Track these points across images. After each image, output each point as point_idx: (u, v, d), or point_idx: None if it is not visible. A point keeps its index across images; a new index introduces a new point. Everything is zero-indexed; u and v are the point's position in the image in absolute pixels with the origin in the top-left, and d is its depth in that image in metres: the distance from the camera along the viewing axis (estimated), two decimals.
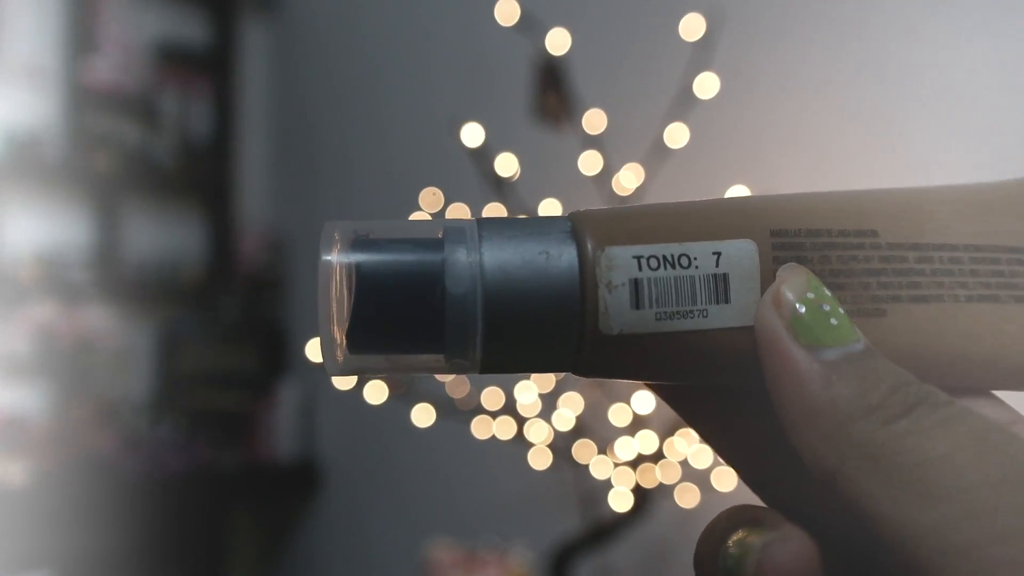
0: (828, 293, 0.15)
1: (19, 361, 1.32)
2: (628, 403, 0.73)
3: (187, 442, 1.38)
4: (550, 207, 0.74)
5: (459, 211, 0.73)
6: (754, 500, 0.19)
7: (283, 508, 1.51)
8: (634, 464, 0.74)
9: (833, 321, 0.15)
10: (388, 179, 1.34)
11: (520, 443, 0.75)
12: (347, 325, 0.16)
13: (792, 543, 0.15)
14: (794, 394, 0.14)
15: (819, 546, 0.15)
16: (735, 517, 0.17)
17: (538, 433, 0.75)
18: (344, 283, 0.16)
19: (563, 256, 0.16)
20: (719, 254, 0.16)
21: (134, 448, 1.32)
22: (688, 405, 0.18)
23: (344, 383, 0.70)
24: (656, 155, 0.71)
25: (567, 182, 0.76)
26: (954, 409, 0.14)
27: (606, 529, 0.78)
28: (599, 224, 0.16)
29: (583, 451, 0.75)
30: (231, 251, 1.58)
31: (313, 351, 0.70)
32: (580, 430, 0.75)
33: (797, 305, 0.15)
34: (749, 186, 0.70)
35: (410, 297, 0.16)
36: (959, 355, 0.16)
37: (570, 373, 0.17)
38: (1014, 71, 0.71)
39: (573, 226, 0.16)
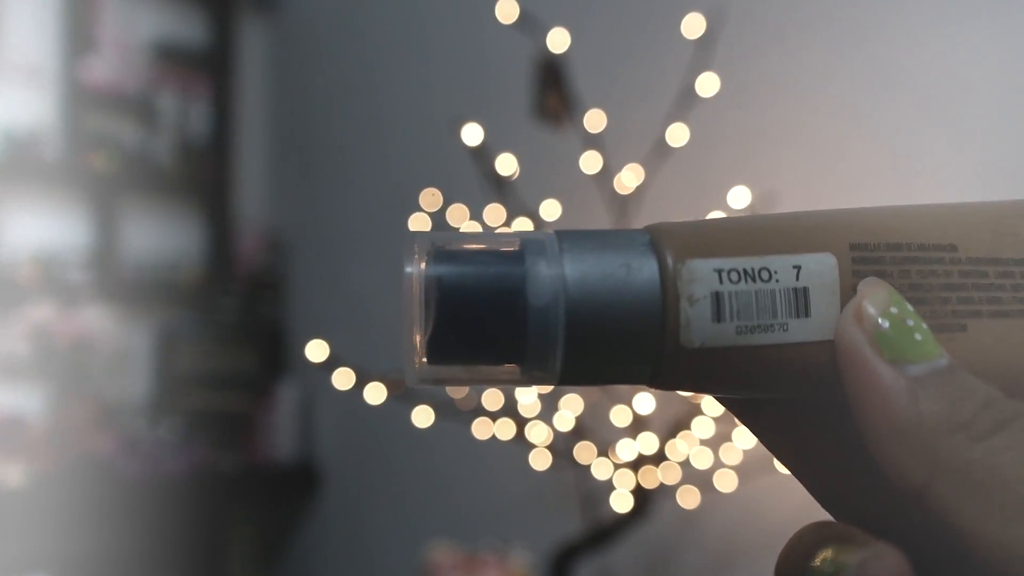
0: (911, 308, 0.15)
1: (17, 362, 1.31)
2: (629, 404, 0.73)
3: (186, 443, 1.37)
4: (550, 207, 0.73)
5: (459, 211, 0.73)
6: (823, 516, 0.19)
7: (282, 509, 1.51)
8: (635, 465, 0.73)
9: (917, 336, 0.15)
10: (388, 179, 1.34)
11: (521, 444, 0.75)
12: (428, 336, 0.16)
13: (888, 559, 0.15)
14: (880, 410, 0.14)
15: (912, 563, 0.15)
16: (819, 533, 0.17)
17: (539, 434, 0.75)
18: (426, 294, 0.16)
19: (644, 269, 0.16)
20: (799, 268, 0.16)
21: (133, 449, 1.32)
22: (762, 421, 0.18)
23: (342, 382, 0.69)
24: (656, 155, 0.71)
25: (567, 182, 0.76)
26: None
27: (607, 530, 0.78)
28: (679, 237, 0.16)
29: (584, 452, 0.75)
30: (230, 251, 1.58)
31: (312, 351, 0.69)
32: (581, 431, 0.75)
33: (880, 320, 0.15)
34: (749, 186, 0.70)
35: (491, 309, 0.16)
36: None
37: (648, 387, 0.17)
38: (1014, 71, 0.71)
39: (652, 239, 0.16)
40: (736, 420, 0.19)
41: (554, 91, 0.82)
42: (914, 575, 0.15)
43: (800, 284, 0.16)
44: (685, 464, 0.73)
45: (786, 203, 0.77)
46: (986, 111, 0.72)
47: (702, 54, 0.69)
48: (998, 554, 0.13)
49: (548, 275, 0.16)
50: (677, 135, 0.71)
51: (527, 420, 0.75)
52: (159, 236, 1.51)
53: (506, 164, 0.72)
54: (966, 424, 0.14)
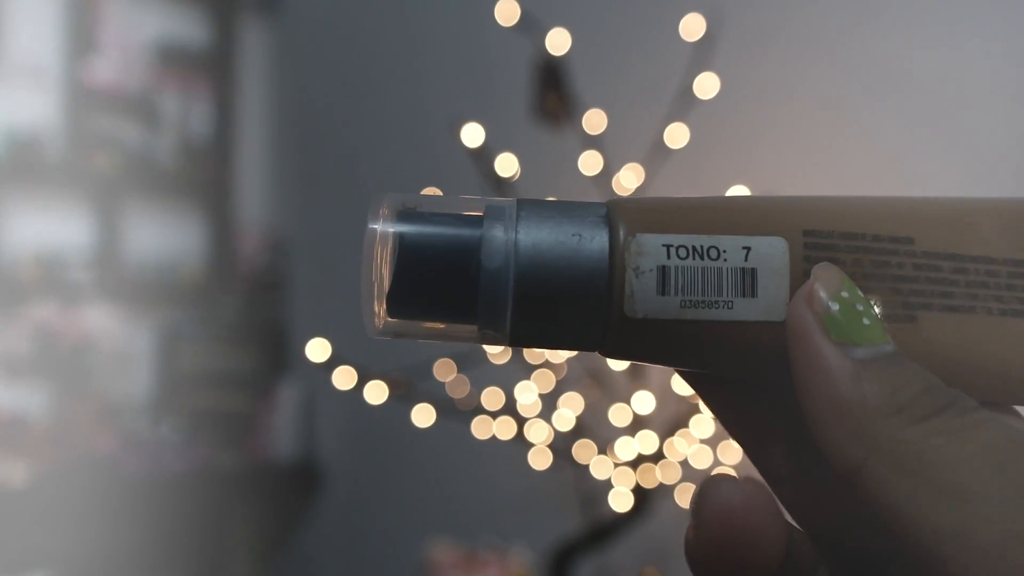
0: (861, 294, 0.16)
1: (19, 361, 1.32)
2: (628, 403, 0.73)
3: (187, 442, 1.38)
4: None
5: None
6: None
7: (283, 508, 1.51)
8: (634, 464, 0.74)
9: (866, 321, 0.15)
10: (388, 179, 1.34)
11: (520, 443, 0.75)
12: (387, 290, 0.17)
13: (740, 483, 0.15)
14: (822, 389, 0.15)
15: (770, 492, 0.15)
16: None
17: (538, 433, 0.75)
18: (387, 251, 0.17)
19: (595, 239, 0.16)
20: (748, 249, 0.16)
21: (134, 448, 1.32)
22: (711, 392, 0.19)
23: (343, 382, 0.70)
24: (656, 155, 0.71)
25: (567, 182, 0.76)
26: (982, 414, 0.14)
27: (606, 529, 0.78)
28: (633, 211, 0.17)
29: (583, 451, 0.75)
30: (231, 251, 1.58)
31: (313, 351, 0.70)
32: (580, 430, 0.75)
33: (831, 303, 0.15)
34: (749, 186, 0.70)
35: (447, 268, 0.16)
36: (987, 368, 0.17)
37: (596, 352, 0.17)
38: (1014, 71, 0.71)
39: (608, 212, 0.17)
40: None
41: (554, 92, 0.82)
42: (834, 552, 0.15)
43: (748, 265, 0.16)
44: (684, 463, 0.74)
45: None
46: (986, 111, 0.72)
47: (702, 54, 0.69)
48: (928, 534, 0.13)
49: (502, 239, 0.16)
50: (677, 135, 0.71)
51: (527, 419, 0.75)
52: (161, 236, 1.51)
53: (506, 165, 0.72)
54: (905, 407, 0.14)
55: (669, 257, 0.16)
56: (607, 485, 0.75)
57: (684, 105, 0.70)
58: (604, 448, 0.75)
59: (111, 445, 1.31)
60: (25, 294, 1.33)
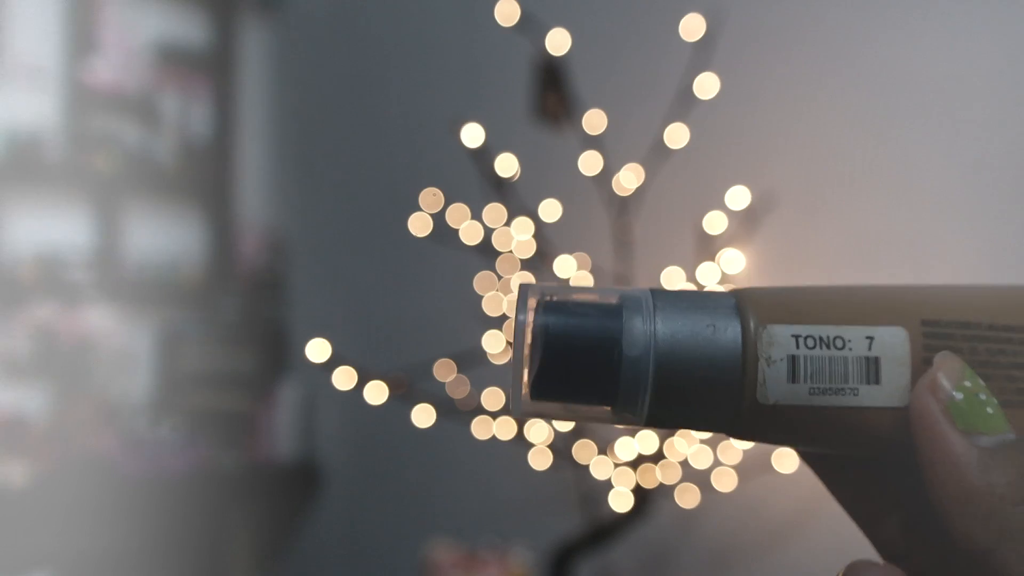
0: (982, 383, 0.16)
1: (19, 361, 1.32)
2: None
3: (187, 442, 1.38)
4: (550, 207, 0.74)
5: (459, 211, 0.73)
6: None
7: (283, 508, 1.51)
8: (634, 464, 0.74)
9: (989, 410, 0.16)
10: (388, 179, 1.34)
11: (520, 443, 0.75)
12: (534, 376, 0.18)
13: (882, 569, 0.16)
14: (950, 476, 0.15)
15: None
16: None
17: (538, 433, 0.75)
18: (534, 340, 0.18)
19: (728, 330, 0.18)
20: (872, 339, 0.17)
21: (134, 448, 1.32)
22: (830, 472, 0.20)
23: (343, 382, 0.70)
24: (656, 155, 0.71)
25: (567, 182, 0.76)
26: None
27: (606, 529, 0.78)
28: (762, 303, 0.18)
29: (583, 451, 0.75)
30: (231, 251, 1.58)
31: (313, 351, 0.70)
32: (580, 430, 0.75)
33: (954, 392, 0.16)
34: (749, 186, 0.70)
35: (590, 356, 0.18)
36: None
37: (728, 436, 0.18)
38: (1014, 71, 0.71)
39: (737, 303, 0.18)
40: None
41: (553, 92, 0.82)
42: None
43: (872, 354, 0.17)
44: (684, 463, 0.74)
45: (785, 204, 0.77)
46: (986, 111, 0.72)
47: (701, 54, 0.69)
48: None
49: (642, 330, 0.18)
50: (677, 136, 0.71)
51: (527, 421, 0.75)
52: (161, 236, 1.51)
53: (506, 165, 0.72)
54: None
55: (798, 347, 0.17)
56: (607, 485, 0.75)
57: (684, 105, 0.70)
58: (604, 448, 0.75)
59: (111, 445, 1.31)
60: (25, 294, 1.33)
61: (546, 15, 0.72)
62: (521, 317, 0.18)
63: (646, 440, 0.73)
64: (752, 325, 0.17)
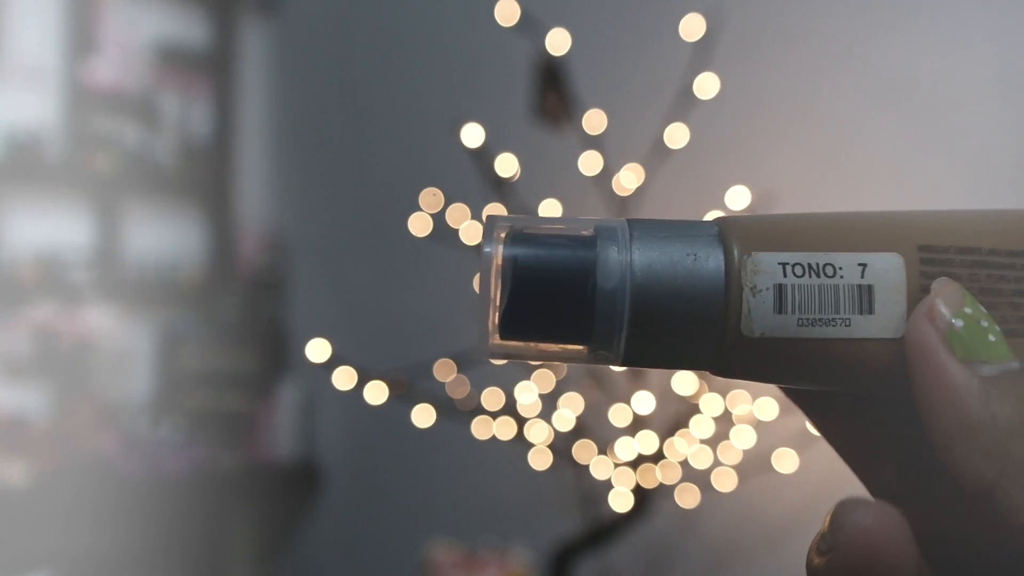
0: (984, 310, 0.15)
1: (19, 361, 1.32)
2: (628, 404, 0.73)
3: (187, 442, 1.38)
4: (550, 207, 0.74)
5: (459, 211, 0.73)
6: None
7: (283, 508, 1.51)
8: (634, 464, 0.74)
9: (991, 337, 0.15)
10: (388, 179, 1.34)
11: (520, 443, 0.75)
12: (501, 312, 0.17)
13: (874, 507, 0.15)
14: (949, 408, 0.14)
15: (903, 516, 0.15)
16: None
17: (538, 433, 0.75)
18: (502, 274, 0.17)
19: (710, 259, 0.16)
20: (865, 265, 0.16)
21: (134, 448, 1.32)
22: (820, 410, 0.19)
23: (343, 382, 0.70)
24: (656, 155, 0.71)
25: (567, 182, 0.76)
26: None
27: (606, 529, 0.78)
28: (746, 230, 0.17)
29: (583, 451, 0.75)
30: (231, 251, 1.58)
31: (313, 351, 0.70)
32: (580, 430, 0.75)
33: (954, 319, 0.15)
34: (749, 186, 0.70)
35: (562, 289, 0.16)
36: None
37: (708, 372, 0.17)
38: (1014, 71, 0.71)
39: (720, 231, 0.17)
40: (802, 413, 0.20)
41: (554, 91, 0.82)
42: (916, 539, 0.15)
43: (865, 281, 0.16)
44: (684, 463, 0.74)
45: (786, 204, 0.77)
46: (986, 111, 0.72)
47: (701, 54, 0.69)
48: None
49: (617, 260, 0.16)
50: (676, 136, 0.71)
51: (527, 419, 0.75)
52: (161, 236, 1.51)
53: (506, 165, 0.72)
54: None
55: (785, 275, 0.16)
56: (607, 485, 0.75)
57: (684, 105, 0.70)
58: (604, 448, 0.75)
59: (111, 445, 1.31)
60: (25, 294, 1.33)
61: (546, 15, 0.72)
62: (488, 249, 0.17)
63: (646, 440, 0.73)
64: (736, 253, 0.16)
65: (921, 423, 0.15)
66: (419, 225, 0.71)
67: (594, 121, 0.72)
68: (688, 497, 0.76)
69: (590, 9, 1.02)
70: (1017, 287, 0.16)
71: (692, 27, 0.69)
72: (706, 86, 0.69)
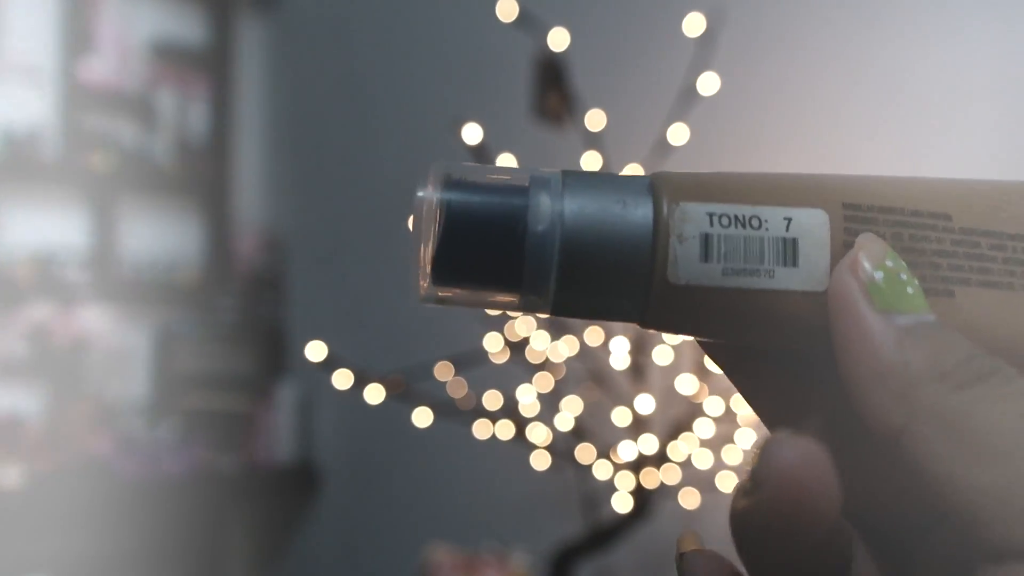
0: (904, 264, 0.16)
1: (15, 362, 1.31)
2: (630, 405, 0.73)
3: (184, 443, 1.37)
4: None
5: None
6: None
7: (281, 510, 1.51)
8: (636, 466, 0.73)
9: (909, 290, 0.16)
10: (387, 179, 1.33)
11: (521, 445, 0.75)
12: (432, 257, 0.17)
13: (802, 442, 0.15)
14: (865, 355, 0.15)
15: (828, 453, 0.15)
16: None
17: (539, 435, 0.74)
18: (435, 218, 0.17)
19: (639, 206, 0.17)
20: (790, 219, 0.17)
21: (131, 449, 1.31)
22: (739, 366, 0.19)
23: (342, 382, 0.69)
24: (657, 154, 0.71)
25: None
26: (1022, 384, 0.14)
27: (607, 531, 0.78)
28: (677, 182, 0.17)
29: (585, 453, 0.75)
30: (228, 251, 1.57)
31: (312, 351, 0.69)
32: (581, 432, 0.75)
33: (874, 272, 0.16)
34: None
35: (493, 234, 0.17)
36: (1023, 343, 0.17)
37: (638, 325, 0.17)
38: (1014, 71, 0.70)
39: (652, 182, 0.17)
40: (721, 371, 0.20)
41: (555, 90, 0.81)
42: (835, 469, 0.15)
43: (790, 235, 0.17)
44: (686, 465, 0.73)
45: None
46: (987, 112, 0.72)
47: (702, 53, 0.69)
48: (968, 496, 0.13)
49: (548, 206, 0.17)
50: (677, 135, 0.70)
51: (527, 420, 0.74)
52: (157, 236, 1.50)
53: (505, 164, 0.71)
54: (948, 373, 0.14)
55: (712, 225, 0.16)
56: (608, 487, 0.75)
57: (685, 104, 0.70)
58: (605, 450, 0.74)
59: (107, 446, 1.30)
60: (21, 294, 1.32)
61: (546, 14, 0.72)
62: (421, 194, 0.17)
63: (648, 442, 0.72)
64: (664, 201, 0.17)
65: (841, 375, 0.15)
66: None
67: (594, 120, 0.72)
68: (690, 499, 0.76)
69: (590, 8, 1.01)
70: (938, 247, 0.17)
71: (693, 26, 0.68)
72: (707, 85, 0.69)
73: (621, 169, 0.72)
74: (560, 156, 0.79)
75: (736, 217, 0.17)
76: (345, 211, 1.45)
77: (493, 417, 0.74)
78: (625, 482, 0.74)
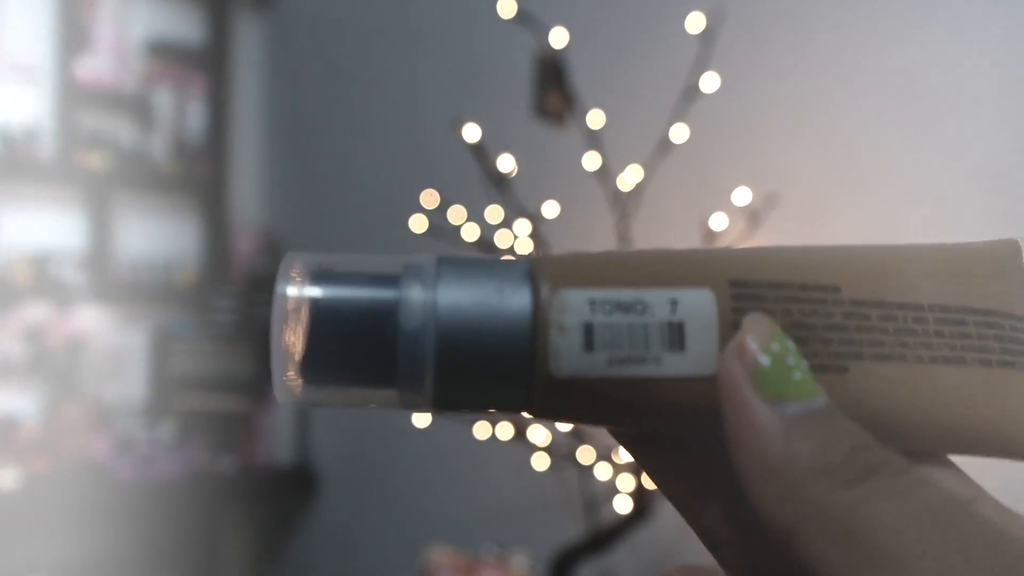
0: (792, 346, 0.15)
1: (11, 362, 1.30)
2: None
3: (182, 445, 1.36)
4: (550, 208, 0.73)
5: (458, 212, 0.72)
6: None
7: (279, 511, 1.50)
8: (636, 467, 0.73)
9: (797, 375, 0.15)
10: (386, 179, 1.33)
11: (521, 446, 0.74)
12: (301, 357, 0.16)
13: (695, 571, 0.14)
14: (753, 448, 0.14)
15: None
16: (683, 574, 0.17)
17: (539, 436, 0.74)
18: (299, 316, 0.16)
19: (516, 296, 0.16)
20: (676, 301, 0.16)
21: (128, 451, 1.31)
22: (644, 451, 0.18)
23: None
24: (657, 152, 0.70)
25: (568, 180, 0.75)
26: (912, 477, 0.14)
27: (608, 533, 0.77)
28: (556, 267, 0.16)
29: (585, 454, 0.74)
30: (226, 251, 1.57)
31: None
32: (582, 433, 0.74)
33: (761, 356, 0.15)
34: (750, 184, 0.69)
35: (364, 332, 0.16)
36: (921, 417, 0.16)
37: (524, 414, 0.17)
38: (1014, 71, 0.70)
39: (531, 267, 0.16)
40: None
41: (555, 89, 0.81)
42: None
43: (676, 318, 0.16)
44: None
45: (789, 201, 0.76)
46: (990, 110, 0.71)
47: (703, 52, 0.68)
48: None
49: (420, 299, 0.16)
50: (677, 133, 0.70)
51: (527, 421, 0.74)
52: (154, 235, 1.50)
53: (506, 164, 0.71)
54: (835, 468, 0.14)
55: (594, 313, 0.16)
56: (609, 488, 0.74)
57: (686, 103, 0.69)
58: (606, 451, 0.74)
59: (104, 448, 1.30)
60: (17, 294, 1.31)
61: (546, 13, 0.72)
62: (280, 290, 0.16)
63: None
64: (543, 290, 0.16)
65: (733, 465, 0.15)
66: (419, 225, 0.71)
67: (595, 119, 0.71)
68: None
69: (590, 7, 1.01)
70: (828, 321, 0.16)
71: (693, 25, 0.68)
72: (708, 84, 0.69)
73: (621, 169, 0.72)
74: (560, 156, 0.79)
75: (619, 303, 0.16)
76: (343, 211, 1.44)
77: (493, 420, 0.73)
78: (626, 484, 0.73)
